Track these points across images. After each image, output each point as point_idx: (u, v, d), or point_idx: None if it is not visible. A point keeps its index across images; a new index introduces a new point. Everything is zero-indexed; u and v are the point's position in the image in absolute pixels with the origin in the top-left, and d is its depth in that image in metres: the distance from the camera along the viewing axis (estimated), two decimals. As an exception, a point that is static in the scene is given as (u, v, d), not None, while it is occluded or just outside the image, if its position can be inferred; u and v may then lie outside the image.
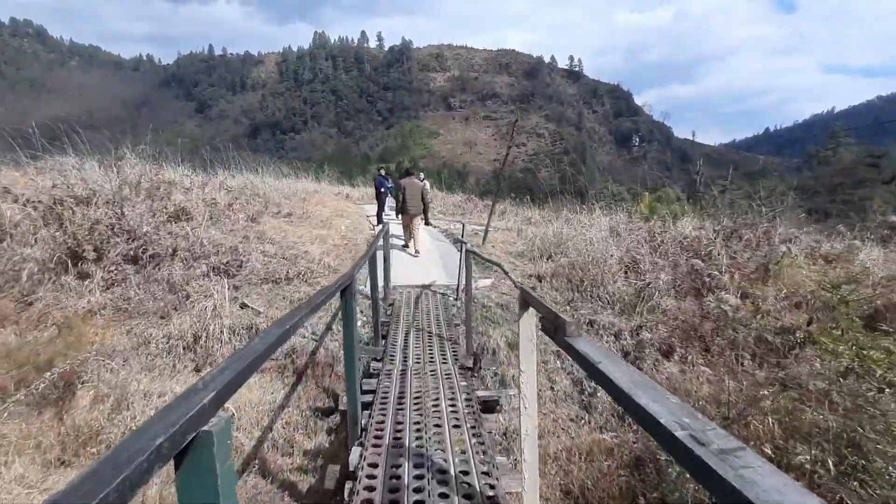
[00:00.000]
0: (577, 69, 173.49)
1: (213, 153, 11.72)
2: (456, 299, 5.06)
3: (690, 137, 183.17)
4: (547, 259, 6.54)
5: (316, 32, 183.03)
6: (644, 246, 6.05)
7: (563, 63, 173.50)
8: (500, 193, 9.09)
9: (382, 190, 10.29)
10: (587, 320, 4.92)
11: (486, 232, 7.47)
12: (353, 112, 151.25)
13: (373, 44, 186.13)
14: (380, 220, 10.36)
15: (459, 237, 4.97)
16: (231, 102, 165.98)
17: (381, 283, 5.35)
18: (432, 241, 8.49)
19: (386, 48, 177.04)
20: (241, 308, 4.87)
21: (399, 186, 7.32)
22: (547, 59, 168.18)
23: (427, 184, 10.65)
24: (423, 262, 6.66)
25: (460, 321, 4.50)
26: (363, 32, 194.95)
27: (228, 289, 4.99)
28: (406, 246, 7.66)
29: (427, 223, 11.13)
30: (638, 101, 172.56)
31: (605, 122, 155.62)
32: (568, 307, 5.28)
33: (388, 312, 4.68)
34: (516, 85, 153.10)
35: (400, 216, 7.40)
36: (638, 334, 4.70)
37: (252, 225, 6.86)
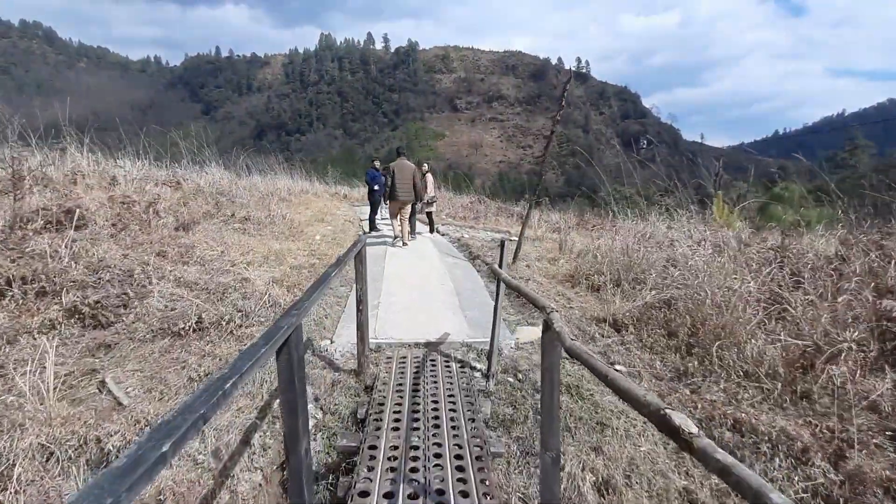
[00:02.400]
0: (584, 71, 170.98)
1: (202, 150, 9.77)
2: (486, 376, 2.84)
3: (699, 140, 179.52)
4: (617, 288, 4.30)
5: (322, 34, 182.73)
6: (780, 273, 3.81)
7: (569, 65, 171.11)
8: (541, 192, 6.87)
9: (376, 188, 8.00)
10: (728, 422, 2.68)
11: (519, 247, 5.26)
12: (359, 113, 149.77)
13: (379, 46, 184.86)
14: (373, 227, 8.17)
15: (496, 265, 2.75)
16: (237, 104, 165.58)
17: (343, 347, 3.15)
18: (441, 259, 6.22)
19: (392, 50, 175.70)
20: (99, 391, 2.70)
21: (389, 170, 6.57)
22: (553, 62, 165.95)
23: (431, 179, 8.37)
24: (429, 298, 4.44)
25: (501, 440, 2.28)
26: (369, 34, 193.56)
27: (78, 355, 2.82)
28: (396, 238, 6.96)
29: (433, 230, 8.87)
30: (644, 104, 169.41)
31: (612, 125, 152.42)
32: (680, 385, 3.04)
33: (362, 413, 2.46)
34: (522, 87, 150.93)
35: (389, 203, 6.78)
36: (844, 457, 2.46)
37: (178, 235, 4.69)
